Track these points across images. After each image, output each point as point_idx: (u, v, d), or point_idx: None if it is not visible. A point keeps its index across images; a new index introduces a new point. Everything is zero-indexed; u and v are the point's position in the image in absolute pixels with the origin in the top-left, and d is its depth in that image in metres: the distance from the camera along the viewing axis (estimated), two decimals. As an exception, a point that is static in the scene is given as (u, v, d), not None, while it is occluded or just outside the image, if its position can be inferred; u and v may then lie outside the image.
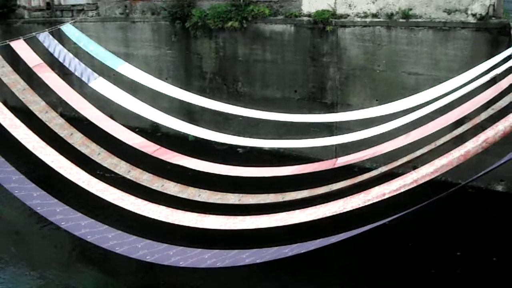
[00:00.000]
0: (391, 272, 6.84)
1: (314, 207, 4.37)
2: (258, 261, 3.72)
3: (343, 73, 9.79)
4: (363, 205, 4.05)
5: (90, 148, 6.89)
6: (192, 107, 10.18)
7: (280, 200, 5.91)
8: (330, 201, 4.39)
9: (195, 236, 4.98)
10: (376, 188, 4.15)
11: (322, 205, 4.34)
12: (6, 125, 5.83)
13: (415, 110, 6.69)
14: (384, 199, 4.10)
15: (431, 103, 6.65)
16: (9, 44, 7.34)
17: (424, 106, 6.65)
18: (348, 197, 4.26)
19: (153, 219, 5.19)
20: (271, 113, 7.86)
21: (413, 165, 7.93)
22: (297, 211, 4.40)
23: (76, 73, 7.87)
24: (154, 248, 4.15)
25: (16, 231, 8.56)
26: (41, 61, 7.54)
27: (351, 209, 4.11)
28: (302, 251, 3.61)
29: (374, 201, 4.05)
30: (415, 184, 3.96)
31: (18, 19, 14.28)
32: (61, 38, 8.84)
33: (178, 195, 6.31)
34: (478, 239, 7.36)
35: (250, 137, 8.24)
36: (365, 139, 6.83)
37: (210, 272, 5.92)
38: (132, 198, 5.48)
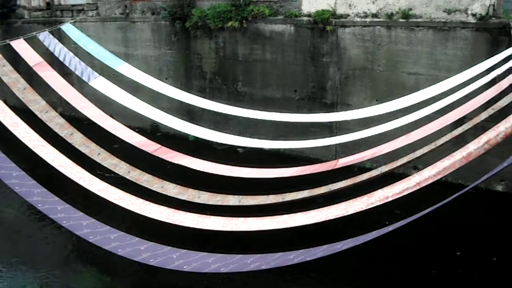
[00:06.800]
0: (391, 273, 6.84)
1: (317, 210, 4.36)
2: (263, 267, 3.67)
3: (343, 73, 9.79)
4: (366, 208, 4.05)
5: (90, 148, 6.88)
6: (192, 107, 10.15)
7: (280, 200, 5.90)
8: (332, 203, 4.38)
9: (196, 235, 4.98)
10: (379, 191, 4.15)
11: (325, 208, 4.33)
12: (6, 123, 5.81)
13: (415, 110, 6.71)
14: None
15: (431, 102, 6.67)
16: (9, 44, 7.34)
17: (424, 106, 6.67)
18: (351, 200, 4.25)
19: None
20: (271, 113, 7.86)
21: (414, 165, 8.01)
22: (299, 213, 4.39)
23: (77, 72, 7.87)
24: (157, 251, 4.09)
25: (16, 231, 8.55)
26: (42, 60, 7.53)
27: (353, 212, 4.11)
28: (308, 259, 3.54)
29: (377, 204, 4.05)
30: (418, 187, 3.97)
31: (18, 19, 14.25)
32: (61, 38, 8.83)
33: (177, 197, 6.30)
34: (478, 239, 7.37)
35: (250, 137, 8.25)
36: (365, 139, 6.84)
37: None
38: (133, 198, 5.47)
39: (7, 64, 7.02)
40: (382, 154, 6.29)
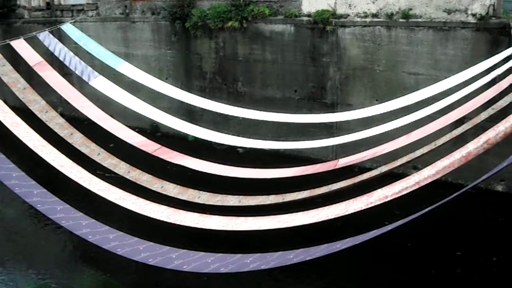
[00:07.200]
0: (391, 273, 6.84)
1: (316, 209, 4.35)
2: (262, 267, 3.65)
3: (343, 73, 9.79)
4: (365, 208, 4.05)
5: (90, 148, 6.86)
6: (192, 107, 10.16)
7: (281, 201, 5.89)
8: (332, 203, 4.37)
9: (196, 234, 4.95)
10: (379, 190, 4.15)
11: (325, 207, 4.33)
12: (6, 123, 5.81)
13: (415, 110, 6.71)
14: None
15: (431, 102, 6.67)
16: (9, 44, 7.33)
17: (424, 106, 6.66)
18: (351, 200, 4.25)
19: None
20: (271, 113, 7.86)
21: (413, 165, 8.01)
22: (299, 213, 4.38)
23: (77, 72, 7.85)
24: (156, 251, 4.06)
25: (16, 231, 8.55)
26: (42, 60, 7.52)
27: (353, 211, 4.11)
28: (307, 258, 3.53)
29: (377, 203, 4.05)
30: (417, 186, 3.97)
31: (18, 19, 14.26)
32: (61, 38, 8.82)
33: (177, 197, 6.30)
34: (478, 239, 7.37)
35: (250, 137, 8.24)
36: (366, 139, 6.84)
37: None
38: (133, 198, 5.46)
39: (7, 64, 7.00)
40: (382, 154, 6.29)
